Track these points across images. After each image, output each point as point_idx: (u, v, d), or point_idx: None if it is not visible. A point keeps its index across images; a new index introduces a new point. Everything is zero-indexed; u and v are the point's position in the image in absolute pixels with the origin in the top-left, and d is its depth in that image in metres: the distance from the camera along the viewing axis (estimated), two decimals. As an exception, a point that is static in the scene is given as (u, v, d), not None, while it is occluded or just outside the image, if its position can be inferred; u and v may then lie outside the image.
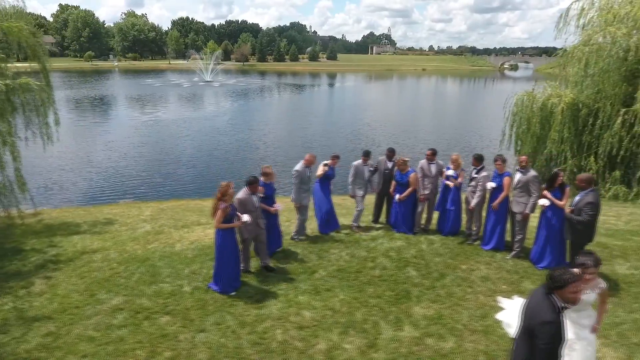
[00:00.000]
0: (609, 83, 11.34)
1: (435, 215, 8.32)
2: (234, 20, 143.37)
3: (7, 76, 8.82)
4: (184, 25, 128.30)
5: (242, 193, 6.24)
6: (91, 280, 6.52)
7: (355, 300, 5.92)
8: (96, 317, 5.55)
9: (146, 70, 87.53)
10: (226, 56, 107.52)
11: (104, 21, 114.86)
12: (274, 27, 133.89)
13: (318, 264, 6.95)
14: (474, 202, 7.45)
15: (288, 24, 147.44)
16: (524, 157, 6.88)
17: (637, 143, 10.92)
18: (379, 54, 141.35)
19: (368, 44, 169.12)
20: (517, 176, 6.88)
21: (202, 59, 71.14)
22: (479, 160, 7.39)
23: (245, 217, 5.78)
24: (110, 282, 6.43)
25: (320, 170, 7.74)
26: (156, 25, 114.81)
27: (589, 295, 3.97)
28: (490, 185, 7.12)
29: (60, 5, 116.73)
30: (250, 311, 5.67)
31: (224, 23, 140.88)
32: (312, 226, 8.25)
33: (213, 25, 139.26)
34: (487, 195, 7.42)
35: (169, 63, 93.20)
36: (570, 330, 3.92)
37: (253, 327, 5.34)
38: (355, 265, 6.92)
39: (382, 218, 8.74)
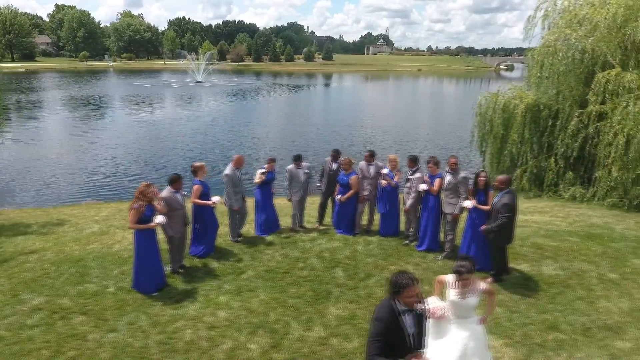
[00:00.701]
0: (567, 85, 11.40)
1: (378, 216, 8.37)
2: (231, 20, 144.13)
3: None
4: (180, 26, 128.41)
5: (165, 192, 6.30)
6: (19, 280, 6.57)
7: (275, 300, 5.97)
8: (12, 317, 5.59)
9: (141, 70, 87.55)
10: (222, 56, 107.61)
11: (99, 21, 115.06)
12: (271, 28, 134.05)
13: (249, 265, 7.00)
14: (408, 203, 7.50)
15: (286, 24, 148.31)
16: (453, 159, 6.93)
17: (593, 144, 10.96)
18: (375, 54, 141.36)
19: (365, 44, 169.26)
20: (447, 178, 6.93)
21: (197, 59, 71.19)
22: (413, 161, 7.44)
23: (159, 219, 5.82)
24: (37, 283, 6.47)
25: (257, 178, 7.78)
26: (152, 25, 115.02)
27: (469, 300, 4.07)
28: (422, 187, 7.17)
29: (56, 5, 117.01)
30: (167, 311, 5.72)
31: (221, 23, 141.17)
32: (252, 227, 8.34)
33: (210, 25, 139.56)
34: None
35: (164, 63, 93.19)
36: (456, 337, 4.11)
37: (164, 327, 5.38)
38: (285, 265, 6.97)
39: (329, 219, 8.79)
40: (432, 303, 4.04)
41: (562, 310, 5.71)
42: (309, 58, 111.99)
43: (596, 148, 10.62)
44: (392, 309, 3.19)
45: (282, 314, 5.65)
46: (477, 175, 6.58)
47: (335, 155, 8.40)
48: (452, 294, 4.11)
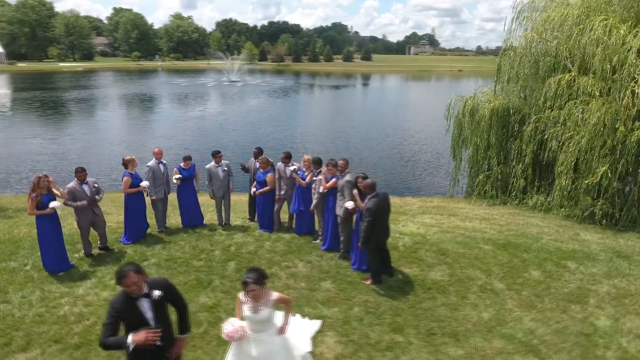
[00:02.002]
0: (529, 89, 10.98)
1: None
2: (276, 21, 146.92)
3: None
4: (227, 27, 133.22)
5: (72, 183, 7.01)
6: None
7: (159, 268, 6.51)
8: None
9: (186, 70, 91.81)
10: (263, 57, 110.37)
11: (152, 23, 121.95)
12: (314, 28, 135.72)
13: (155, 253, 7.57)
14: (313, 203, 7.75)
15: (330, 25, 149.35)
16: (342, 161, 7.09)
17: (551, 152, 10.47)
18: (417, 54, 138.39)
19: (409, 44, 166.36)
20: (339, 180, 7.11)
21: (238, 59, 73.70)
22: (316, 163, 7.68)
23: (53, 204, 6.51)
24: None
25: (174, 179, 8.30)
26: (200, 26, 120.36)
27: (262, 313, 3.88)
28: (320, 189, 7.39)
29: (114, 8, 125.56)
30: (61, 289, 6.39)
31: (266, 24, 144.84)
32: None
33: (255, 26, 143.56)
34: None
35: (208, 63, 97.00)
36: (253, 354, 3.95)
37: (50, 301, 6.05)
38: (187, 256, 7.47)
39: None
40: (230, 326, 3.91)
41: (418, 314, 5.77)
42: (348, 58, 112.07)
43: (554, 156, 10.17)
44: (126, 295, 3.55)
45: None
46: (356, 178, 6.72)
47: (257, 152, 8.80)
48: (246, 309, 3.93)
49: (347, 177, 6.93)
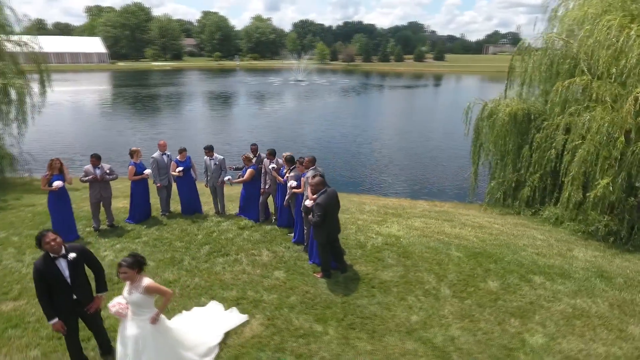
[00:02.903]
0: (544, 92, 10.29)
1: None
2: (350, 21, 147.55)
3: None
4: (303, 27, 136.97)
5: (88, 165, 8.28)
6: None
7: (146, 245, 7.41)
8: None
9: (261, 69, 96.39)
10: (335, 57, 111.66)
11: (233, 25, 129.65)
12: (389, 28, 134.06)
13: (149, 233, 8.58)
14: (285, 198, 8.22)
15: (406, 24, 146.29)
16: (307, 158, 7.44)
17: (558, 160, 9.73)
18: (495, 54, 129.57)
19: (490, 43, 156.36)
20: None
21: (305, 59, 75.70)
22: (288, 161, 8.13)
23: (56, 183, 7.75)
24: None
25: (175, 172, 9.22)
26: (277, 28, 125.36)
27: (133, 296, 4.19)
28: (291, 183, 7.83)
29: (203, 12, 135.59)
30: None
31: (341, 24, 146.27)
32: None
33: (330, 26, 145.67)
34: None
35: (282, 63, 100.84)
36: (125, 333, 4.29)
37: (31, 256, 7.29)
38: (173, 238, 8.36)
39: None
40: (115, 300, 4.29)
41: (348, 309, 5.99)
42: (419, 58, 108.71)
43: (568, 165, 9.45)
44: (47, 256, 4.37)
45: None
46: (314, 177, 7.02)
47: (254, 148, 9.44)
48: (124, 290, 4.30)
49: (308, 174, 7.29)
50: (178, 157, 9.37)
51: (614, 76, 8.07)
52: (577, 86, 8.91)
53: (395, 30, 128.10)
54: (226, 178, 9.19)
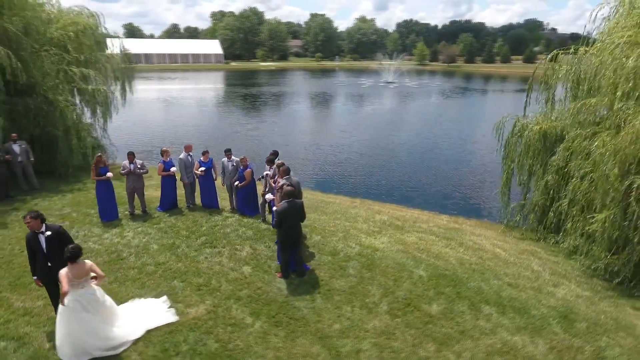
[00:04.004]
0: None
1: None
2: (458, 20, 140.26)
3: (93, 82, 14.81)
4: (407, 27, 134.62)
5: (125, 161, 10.12)
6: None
7: (145, 239, 8.97)
8: None
9: (358, 69, 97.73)
10: (435, 57, 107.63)
11: (337, 27, 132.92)
12: (500, 26, 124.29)
13: (167, 220, 10.10)
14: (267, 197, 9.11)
15: (522, 22, 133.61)
16: (282, 168, 8.13)
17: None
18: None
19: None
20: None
21: (397, 60, 74.73)
22: (269, 162, 9.07)
23: (108, 174, 9.66)
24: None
25: (198, 171, 10.60)
26: (379, 28, 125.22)
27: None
28: (268, 196, 8.68)
29: (311, 14, 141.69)
30: (94, 231, 9.50)
31: (447, 23, 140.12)
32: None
33: (435, 26, 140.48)
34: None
35: (380, 63, 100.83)
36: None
37: (88, 237, 9.19)
38: (183, 226, 9.74)
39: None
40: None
41: (283, 308, 6.63)
42: (530, 59, 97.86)
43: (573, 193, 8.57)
44: (32, 231, 5.87)
45: (133, 247, 8.60)
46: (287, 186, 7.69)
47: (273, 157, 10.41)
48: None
49: (281, 182, 8.00)
50: (202, 158, 10.79)
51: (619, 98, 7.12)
52: (590, 106, 7.98)
53: (507, 29, 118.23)
54: (235, 183, 10.34)
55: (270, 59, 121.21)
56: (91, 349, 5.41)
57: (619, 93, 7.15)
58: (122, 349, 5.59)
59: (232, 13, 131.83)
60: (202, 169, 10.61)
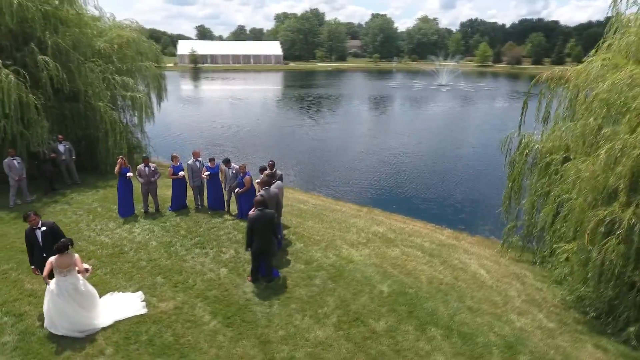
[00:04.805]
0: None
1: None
2: (528, 18, 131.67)
3: (132, 89, 16.31)
4: (471, 27, 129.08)
5: (140, 165, 11.29)
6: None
7: (149, 234, 9.99)
8: None
9: (415, 71, 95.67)
10: (499, 58, 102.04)
11: (397, 27, 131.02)
12: (576, 25, 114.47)
13: (172, 219, 11.08)
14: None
15: (602, 19, 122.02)
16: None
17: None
18: None
19: None
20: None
21: (453, 61, 72.05)
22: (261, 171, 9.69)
23: (129, 174, 10.88)
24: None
25: (204, 176, 11.50)
26: (440, 28, 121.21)
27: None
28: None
29: (372, 14, 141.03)
30: (110, 226, 10.74)
31: (516, 22, 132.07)
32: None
33: (503, 25, 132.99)
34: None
35: (439, 65, 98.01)
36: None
37: (102, 231, 10.44)
38: (184, 226, 10.66)
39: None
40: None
41: (238, 309, 7.19)
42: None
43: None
44: (30, 227, 6.96)
45: (136, 243, 9.65)
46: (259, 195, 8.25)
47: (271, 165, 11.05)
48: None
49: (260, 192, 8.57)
50: (209, 164, 11.69)
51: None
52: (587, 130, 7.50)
53: (584, 28, 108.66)
54: (235, 190, 11.08)
55: (329, 59, 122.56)
56: (60, 328, 6.38)
57: (590, 119, 6.74)
58: (86, 335, 6.48)
59: (294, 15, 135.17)
60: (208, 173, 11.49)
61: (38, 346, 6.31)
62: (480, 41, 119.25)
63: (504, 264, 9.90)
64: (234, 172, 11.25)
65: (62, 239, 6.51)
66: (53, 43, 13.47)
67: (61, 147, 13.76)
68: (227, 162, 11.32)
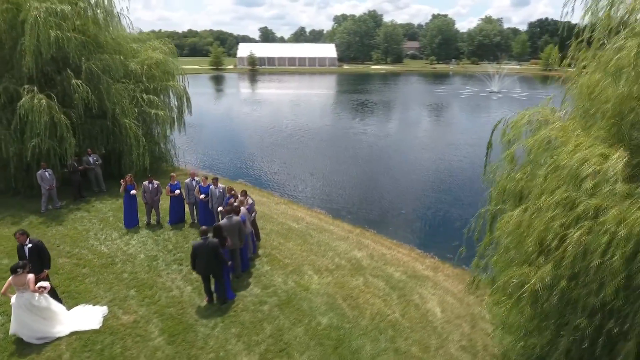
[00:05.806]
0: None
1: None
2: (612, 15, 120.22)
3: (156, 106, 17.86)
4: (540, 27, 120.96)
5: (145, 182, 12.59)
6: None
7: (142, 247, 11.18)
8: None
9: (474, 74, 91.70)
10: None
11: (457, 28, 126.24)
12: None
13: (166, 233, 12.24)
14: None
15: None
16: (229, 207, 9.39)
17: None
18: None
19: None
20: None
21: (509, 65, 67.93)
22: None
23: (133, 191, 12.22)
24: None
25: (196, 193, 12.51)
26: (504, 29, 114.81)
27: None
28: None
29: (433, 15, 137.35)
30: (113, 236, 12.12)
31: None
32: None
33: (576, 25, 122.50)
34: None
35: (499, 68, 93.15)
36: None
37: (104, 240, 11.84)
38: (174, 240, 11.76)
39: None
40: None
41: (182, 325, 7.97)
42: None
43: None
44: (20, 245, 8.26)
45: (127, 255, 10.85)
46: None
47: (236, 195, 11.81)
48: None
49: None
50: (202, 183, 12.71)
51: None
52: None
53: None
54: (219, 208, 11.97)
55: (384, 61, 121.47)
56: (21, 335, 7.59)
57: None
58: (43, 342, 7.61)
59: (352, 16, 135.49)
60: (202, 196, 12.50)
61: (14, 346, 7.56)
62: (549, 42, 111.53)
63: (467, 302, 9.77)
64: (220, 190, 12.16)
65: (15, 263, 7.56)
66: (87, 68, 15.28)
67: (90, 159, 15.58)
68: (215, 181, 12.25)
